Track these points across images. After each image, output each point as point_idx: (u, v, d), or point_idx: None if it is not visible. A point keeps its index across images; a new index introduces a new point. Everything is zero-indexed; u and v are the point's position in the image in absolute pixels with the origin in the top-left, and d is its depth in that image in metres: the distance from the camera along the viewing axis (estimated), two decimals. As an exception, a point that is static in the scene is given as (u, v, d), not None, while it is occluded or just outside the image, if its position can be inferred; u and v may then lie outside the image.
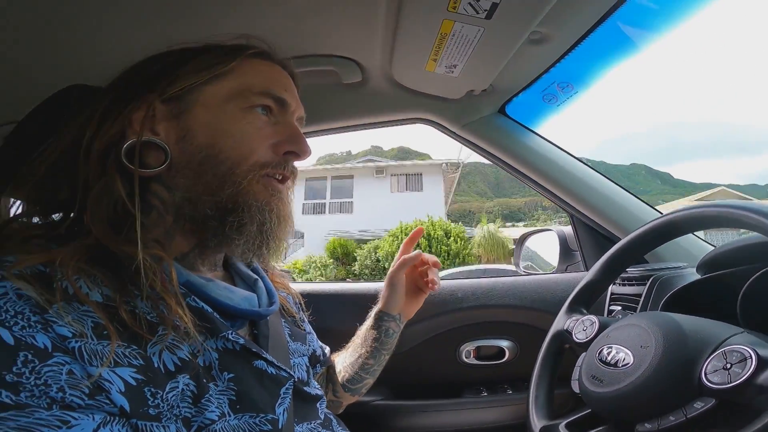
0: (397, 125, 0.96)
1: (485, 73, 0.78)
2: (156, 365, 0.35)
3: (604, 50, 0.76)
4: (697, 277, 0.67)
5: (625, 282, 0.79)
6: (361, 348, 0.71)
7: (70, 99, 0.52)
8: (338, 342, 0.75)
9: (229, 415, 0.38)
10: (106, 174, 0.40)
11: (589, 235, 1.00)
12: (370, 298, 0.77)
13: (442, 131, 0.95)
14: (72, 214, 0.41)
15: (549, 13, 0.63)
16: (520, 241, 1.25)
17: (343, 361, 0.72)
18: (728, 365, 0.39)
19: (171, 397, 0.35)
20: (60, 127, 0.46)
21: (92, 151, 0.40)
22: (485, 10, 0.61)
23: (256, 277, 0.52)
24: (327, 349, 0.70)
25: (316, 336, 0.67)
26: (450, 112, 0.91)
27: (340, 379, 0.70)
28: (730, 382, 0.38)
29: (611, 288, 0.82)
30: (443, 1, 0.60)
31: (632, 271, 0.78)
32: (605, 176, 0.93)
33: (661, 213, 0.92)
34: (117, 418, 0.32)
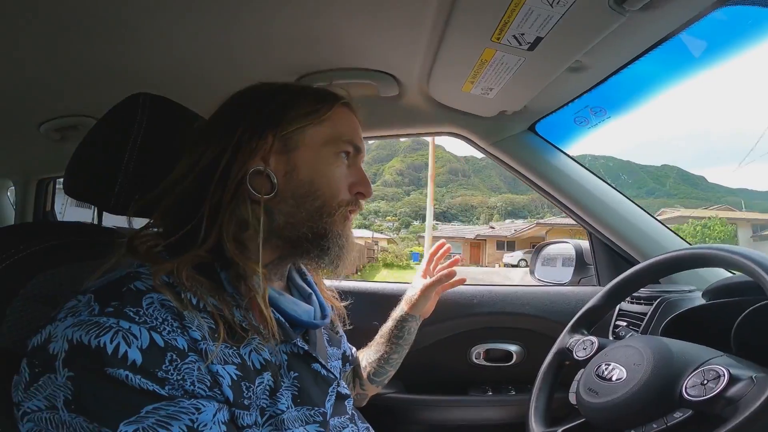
0: (428, 136, 0.99)
1: (520, 97, 0.80)
2: (248, 364, 0.43)
3: (641, 81, 0.77)
4: (702, 302, 0.71)
5: (634, 301, 0.83)
6: (386, 345, 0.79)
7: (138, 104, 0.57)
8: (356, 337, 0.82)
9: (292, 407, 0.46)
10: (237, 198, 0.47)
11: (605, 252, 1.03)
12: (387, 298, 0.85)
13: (472, 146, 0.98)
14: (187, 228, 0.46)
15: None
16: (537, 250, 1.29)
17: (368, 358, 0.80)
18: (705, 381, 0.46)
19: (258, 391, 0.43)
20: (128, 129, 0.54)
21: (229, 178, 0.46)
22: (528, 43, 0.63)
23: (311, 291, 0.59)
24: (354, 350, 0.77)
25: (345, 337, 0.74)
26: (481, 128, 0.94)
27: (365, 374, 0.78)
28: (705, 395, 0.45)
29: (620, 305, 0.86)
30: (488, 31, 0.62)
31: (642, 290, 0.82)
32: (629, 198, 0.95)
33: (678, 236, 0.95)
34: (224, 406, 0.39)
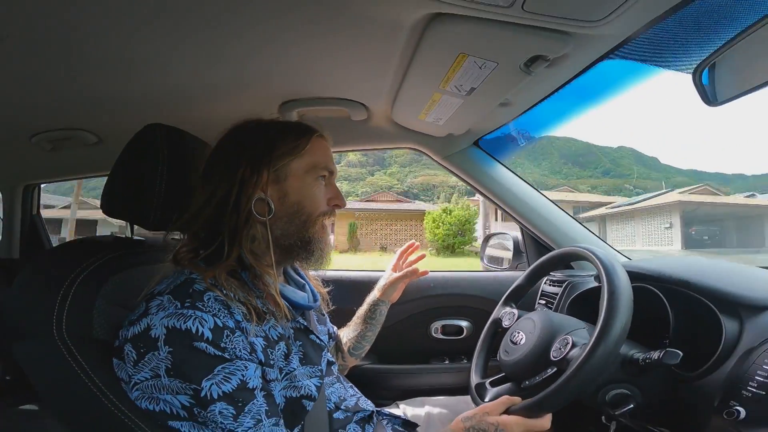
0: (392, 150, 1.18)
1: (463, 125, 1.01)
2: (269, 336, 0.60)
3: (553, 112, 1.01)
4: (594, 284, 0.97)
5: (551, 283, 1.09)
6: (362, 325, 0.99)
7: (156, 134, 0.70)
8: (337, 318, 0.99)
9: (299, 366, 0.64)
10: (247, 221, 0.62)
11: (533, 243, 1.29)
12: (363, 284, 1.04)
13: (429, 158, 1.19)
14: (214, 246, 0.62)
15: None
16: (485, 240, 1.54)
17: (347, 335, 0.99)
18: (560, 347, 0.68)
19: (277, 355, 0.60)
20: (155, 158, 0.67)
21: (240, 207, 0.62)
22: (466, 90, 0.84)
23: (304, 282, 0.78)
24: (335, 328, 0.96)
25: (328, 318, 0.93)
26: (435, 145, 1.15)
27: (345, 348, 0.98)
28: (558, 357, 0.67)
29: (543, 287, 1.12)
30: (436, 82, 0.82)
31: (556, 275, 1.08)
32: (549, 199, 1.21)
33: (585, 228, 1.22)
34: (259, 366, 0.56)
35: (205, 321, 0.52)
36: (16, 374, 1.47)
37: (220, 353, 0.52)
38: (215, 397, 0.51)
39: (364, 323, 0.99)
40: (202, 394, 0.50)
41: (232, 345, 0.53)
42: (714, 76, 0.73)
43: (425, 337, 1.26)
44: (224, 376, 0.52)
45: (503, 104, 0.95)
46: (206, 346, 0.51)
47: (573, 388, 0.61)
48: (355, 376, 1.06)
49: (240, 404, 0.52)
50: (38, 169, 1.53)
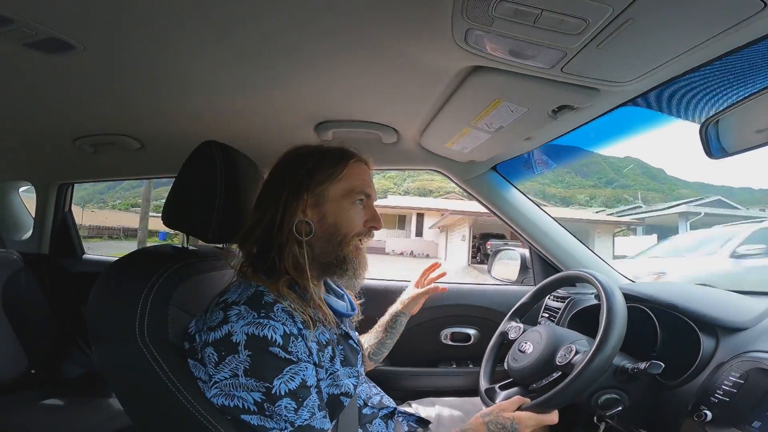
0: (415, 171, 1.26)
1: (485, 154, 1.10)
2: (320, 341, 0.68)
3: (569, 147, 1.10)
4: (593, 302, 1.07)
5: (554, 299, 1.19)
6: (383, 333, 1.08)
7: (212, 152, 0.77)
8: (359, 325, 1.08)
9: (341, 368, 0.71)
10: (290, 240, 0.70)
11: (540, 260, 1.38)
12: (382, 294, 1.11)
13: (450, 180, 1.28)
14: (268, 262, 0.70)
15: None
16: (494, 254, 1.63)
17: (368, 341, 1.08)
18: (565, 354, 0.79)
19: (325, 358, 0.68)
20: (213, 175, 0.74)
21: (284, 228, 0.70)
22: (495, 128, 0.92)
23: (342, 292, 0.86)
24: (357, 335, 1.04)
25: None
26: (457, 169, 1.24)
27: (366, 353, 1.06)
28: (563, 362, 0.78)
29: (547, 302, 1.22)
30: (469, 119, 0.91)
31: (560, 292, 1.18)
32: (559, 223, 1.30)
33: (589, 249, 1.32)
34: (314, 367, 0.64)
35: (277, 329, 0.61)
36: (40, 368, 1.54)
37: (288, 356, 0.60)
38: (282, 393, 0.59)
39: (385, 332, 1.07)
40: (273, 391, 0.59)
41: (296, 349, 0.62)
42: (717, 132, 0.82)
43: (435, 342, 1.35)
44: (290, 375, 0.60)
45: (525, 139, 1.04)
46: (278, 351, 0.60)
47: (576, 388, 0.72)
48: (371, 377, 1.15)
49: (300, 399, 0.61)
50: (75, 170, 1.58)
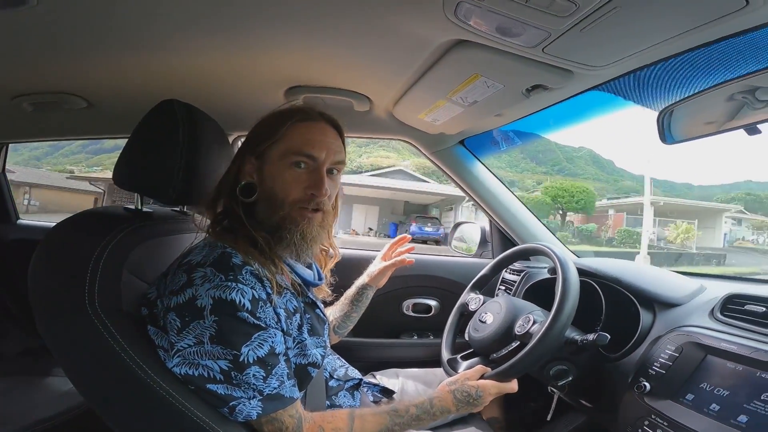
0: (385, 140, 1.23)
1: (456, 127, 1.10)
2: (288, 308, 0.65)
3: (534, 126, 1.12)
4: (546, 275, 1.14)
5: (510, 272, 1.26)
6: (348, 306, 1.06)
7: (174, 111, 0.69)
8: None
9: (308, 337, 0.69)
10: (236, 203, 0.67)
11: (499, 234, 1.45)
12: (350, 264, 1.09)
13: (419, 151, 1.27)
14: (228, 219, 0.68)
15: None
16: (455, 227, 1.67)
17: (334, 314, 1.06)
18: (523, 324, 0.83)
19: (294, 326, 0.66)
20: (174, 135, 0.67)
21: (233, 189, 0.68)
22: (469, 103, 0.91)
23: (310, 261, 0.79)
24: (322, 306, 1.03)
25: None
26: (426, 141, 1.23)
27: (331, 326, 1.05)
28: (521, 332, 0.82)
29: (504, 274, 1.28)
30: (446, 92, 0.89)
31: (515, 265, 1.25)
32: (518, 198, 1.36)
33: (544, 226, 1.40)
34: (282, 334, 0.62)
35: (246, 293, 0.57)
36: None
37: (257, 322, 0.58)
38: (251, 361, 0.57)
39: (351, 305, 1.05)
40: (241, 359, 0.56)
41: (264, 315, 0.59)
42: (671, 120, 0.88)
43: (398, 313, 1.39)
44: (258, 342, 0.58)
45: (495, 115, 1.05)
46: (247, 316, 0.57)
47: (534, 357, 0.77)
48: (335, 348, 1.16)
49: (269, 368, 0.59)
50: (11, 129, 1.38)
